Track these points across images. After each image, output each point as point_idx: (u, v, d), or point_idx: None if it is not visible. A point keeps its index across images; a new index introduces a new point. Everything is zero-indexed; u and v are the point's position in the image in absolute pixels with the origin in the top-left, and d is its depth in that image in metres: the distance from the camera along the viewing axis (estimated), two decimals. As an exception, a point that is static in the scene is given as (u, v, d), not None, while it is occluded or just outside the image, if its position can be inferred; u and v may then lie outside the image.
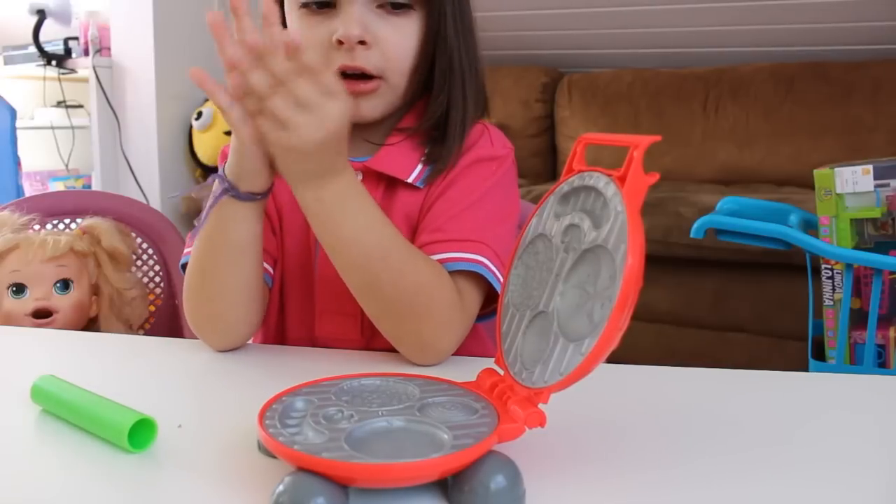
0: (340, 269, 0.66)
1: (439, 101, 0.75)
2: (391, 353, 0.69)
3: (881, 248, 1.32)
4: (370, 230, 0.65)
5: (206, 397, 0.59)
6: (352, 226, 0.64)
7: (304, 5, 0.72)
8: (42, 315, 0.99)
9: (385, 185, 0.76)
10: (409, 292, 0.66)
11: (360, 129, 0.76)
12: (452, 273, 0.69)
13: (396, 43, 0.72)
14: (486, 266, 0.69)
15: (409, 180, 0.75)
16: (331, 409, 0.46)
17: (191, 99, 2.75)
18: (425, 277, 0.66)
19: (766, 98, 2.52)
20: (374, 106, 0.74)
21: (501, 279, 0.56)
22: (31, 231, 1.04)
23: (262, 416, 0.45)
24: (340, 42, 0.70)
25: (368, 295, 0.67)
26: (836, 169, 1.33)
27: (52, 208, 1.13)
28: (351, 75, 0.71)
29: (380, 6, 0.71)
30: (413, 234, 0.76)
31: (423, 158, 0.75)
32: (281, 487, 0.39)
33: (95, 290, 1.05)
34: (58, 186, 2.96)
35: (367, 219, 0.65)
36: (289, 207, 0.80)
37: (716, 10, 2.61)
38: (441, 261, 0.69)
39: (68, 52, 2.76)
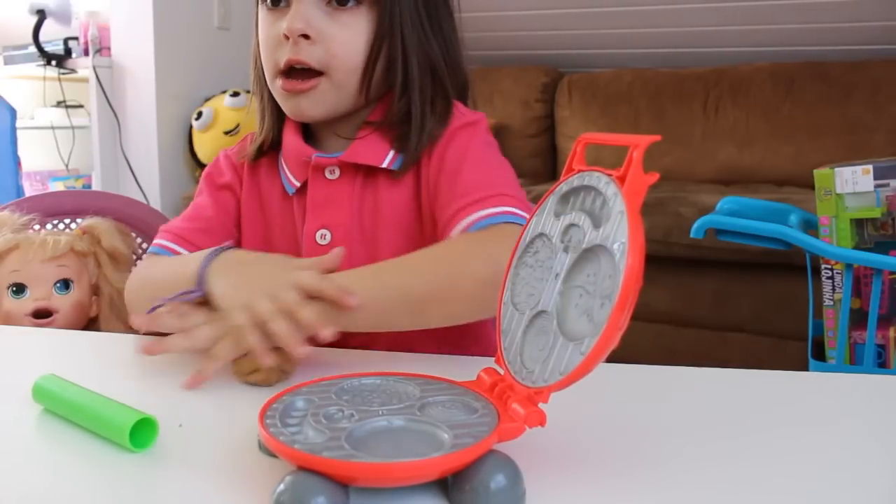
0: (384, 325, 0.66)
1: (402, 98, 0.76)
2: (391, 352, 0.69)
3: (881, 248, 1.32)
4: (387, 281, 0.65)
5: (207, 397, 0.59)
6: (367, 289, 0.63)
7: (263, 1, 0.76)
8: (42, 315, 0.99)
9: (362, 176, 0.78)
10: (439, 292, 0.65)
11: (331, 125, 0.79)
12: (489, 226, 0.69)
13: (342, 39, 0.73)
14: (515, 214, 0.69)
15: (384, 165, 0.76)
16: (331, 409, 0.46)
17: (191, 99, 2.75)
18: (443, 273, 0.66)
19: (766, 98, 2.52)
20: (314, 103, 0.75)
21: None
22: (31, 231, 1.04)
23: (262, 415, 0.45)
24: (287, 37, 0.72)
25: (418, 322, 0.67)
26: (836, 169, 1.33)
27: (52, 208, 1.13)
28: (297, 73, 0.73)
29: (328, 3, 0.73)
30: (400, 219, 0.78)
31: (394, 145, 0.77)
32: (282, 486, 0.39)
33: (95, 290, 1.05)
34: (58, 186, 2.96)
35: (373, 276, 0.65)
36: (278, 209, 0.82)
37: (716, 10, 2.61)
38: (473, 221, 0.70)
39: (68, 52, 2.76)
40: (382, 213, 0.78)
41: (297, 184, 0.80)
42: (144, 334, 0.65)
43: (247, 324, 0.58)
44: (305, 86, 0.74)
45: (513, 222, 0.68)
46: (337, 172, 0.78)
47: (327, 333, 0.57)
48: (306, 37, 0.72)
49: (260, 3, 0.77)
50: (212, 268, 0.65)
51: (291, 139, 0.80)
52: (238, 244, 0.83)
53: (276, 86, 0.76)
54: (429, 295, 0.64)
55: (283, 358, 0.59)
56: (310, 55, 0.73)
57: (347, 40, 0.73)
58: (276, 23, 0.74)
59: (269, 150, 0.83)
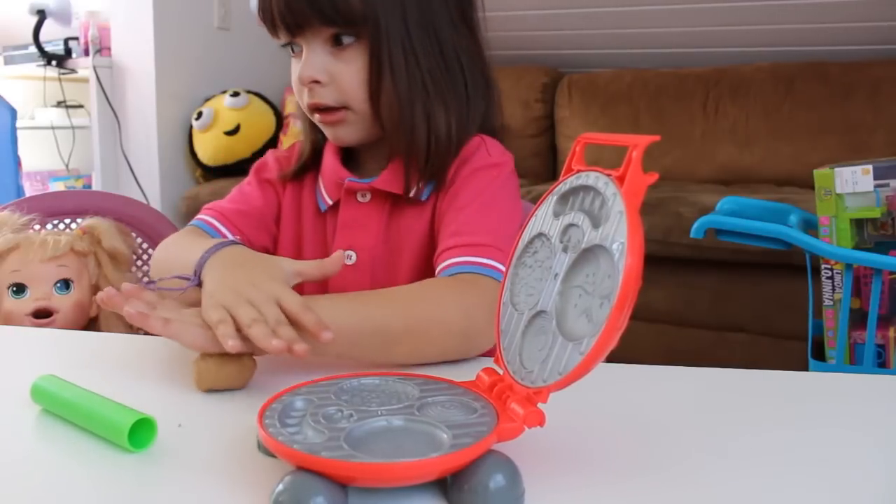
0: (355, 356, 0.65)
1: (402, 125, 0.78)
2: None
3: (881, 248, 1.32)
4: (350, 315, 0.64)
5: (206, 397, 0.59)
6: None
7: (284, 47, 0.81)
8: (42, 315, 0.99)
9: (391, 203, 0.82)
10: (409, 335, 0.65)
11: (369, 150, 0.84)
12: (471, 273, 0.71)
13: (348, 76, 0.77)
14: (496, 269, 0.72)
15: (411, 195, 0.80)
16: (330, 409, 0.46)
17: (191, 99, 2.76)
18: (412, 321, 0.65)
19: (766, 98, 2.52)
20: (348, 132, 0.80)
21: None
22: (31, 231, 1.04)
23: (261, 415, 0.45)
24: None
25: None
26: (836, 169, 1.33)
27: (52, 208, 1.13)
28: (323, 109, 0.78)
29: (333, 44, 0.77)
30: (420, 246, 0.81)
31: (420, 174, 0.80)
32: (280, 487, 0.39)
33: (96, 290, 1.05)
34: (58, 186, 2.96)
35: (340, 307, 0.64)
36: (311, 223, 0.86)
37: (716, 10, 2.61)
38: (456, 264, 0.72)
39: (68, 52, 2.76)
40: (404, 240, 0.82)
41: (330, 202, 0.84)
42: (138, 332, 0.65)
43: (221, 320, 0.58)
44: (332, 118, 0.79)
45: (493, 277, 0.70)
46: (368, 196, 0.82)
47: (300, 349, 0.56)
48: (318, 82, 0.77)
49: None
50: (210, 261, 0.66)
51: (330, 160, 0.85)
52: (275, 242, 0.88)
53: (315, 119, 0.81)
54: (401, 332, 0.64)
55: (242, 364, 0.59)
56: (324, 97, 0.78)
57: (352, 76, 0.77)
58: (296, 67, 0.79)
59: (312, 165, 0.88)
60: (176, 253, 0.78)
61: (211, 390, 0.59)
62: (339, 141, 0.82)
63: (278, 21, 0.76)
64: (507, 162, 0.82)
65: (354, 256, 0.82)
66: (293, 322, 0.58)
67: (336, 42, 0.76)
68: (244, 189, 0.89)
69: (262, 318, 0.58)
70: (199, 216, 0.86)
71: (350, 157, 0.86)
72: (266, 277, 0.63)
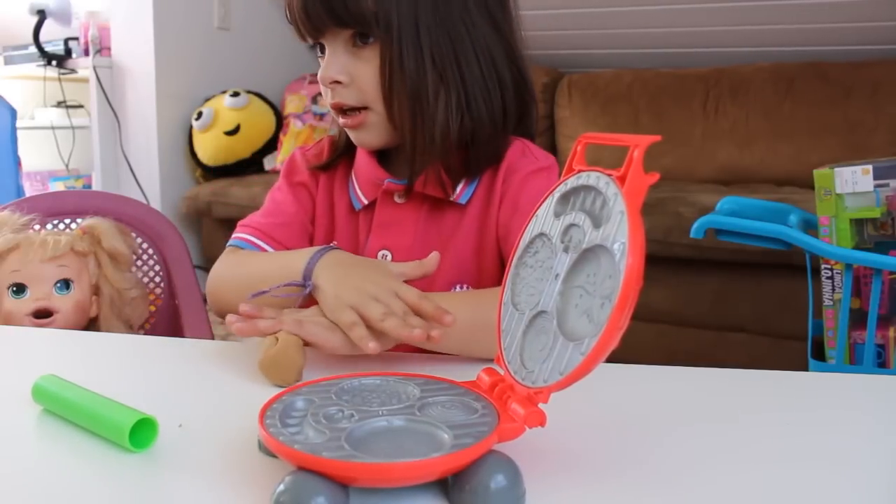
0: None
1: (414, 126, 0.77)
2: (391, 352, 0.69)
3: (881, 248, 1.32)
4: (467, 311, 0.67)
5: (207, 397, 0.59)
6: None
7: (312, 49, 0.81)
8: (42, 315, 0.99)
9: (429, 205, 0.82)
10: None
11: (403, 150, 0.81)
12: None
13: (367, 75, 0.77)
14: None
15: (452, 198, 0.80)
16: (331, 409, 0.46)
17: (191, 99, 2.76)
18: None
19: (766, 98, 2.51)
20: (369, 134, 0.80)
21: None
22: (31, 231, 1.04)
23: (262, 415, 0.45)
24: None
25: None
26: (836, 169, 1.33)
27: (52, 208, 1.13)
28: (347, 111, 0.78)
29: (354, 44, 0.77)
30: (459, 250, 0.81)
31: (449, 175, 0.80)
32: (281, 487, 0.40)
33: (96, 290, 1.05)
34: (58, 186, 2.96)
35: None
36: (344, 221, 0.86)
37: (716, 10, 2.61)
38: None
39: (68, 52, 2.76)
40: (441, 243, 0.81)
41: (365, 202, 0.84)
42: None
43: (354, 322, 0.62)
44: (353, 120, 0.79)
45: None
46: (405, 197, 0.82)
47: (436, 334, 0.60)
48: (339, 82, 0.77)
49: None
50: (319, 265, 0.70)
51: (365, 159, 0.84)
52: (311, 242, 0.88)
53: (340, 122, 0.82)
54: None
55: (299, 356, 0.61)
56: (346, 97, 0.78)
57: (372, 76, 0.77)
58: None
59: (346, 156, 0.88)
60: (259, 269, 0.78)
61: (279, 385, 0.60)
62: (362, 144, 0.82)
63: (299, 24, 0.77)
64: (553, 164, 0.83)
65: (389, 256, 0.82)
66: (414, 312, 0.63)
67: (356, 42, 0.76)
68: (276, 198, 0.88)
69: (391, 312, 0.62)
70: (236, 235, 0.85)
71: (384, 155, 0.85)
72: (380, 275, 0.67)
